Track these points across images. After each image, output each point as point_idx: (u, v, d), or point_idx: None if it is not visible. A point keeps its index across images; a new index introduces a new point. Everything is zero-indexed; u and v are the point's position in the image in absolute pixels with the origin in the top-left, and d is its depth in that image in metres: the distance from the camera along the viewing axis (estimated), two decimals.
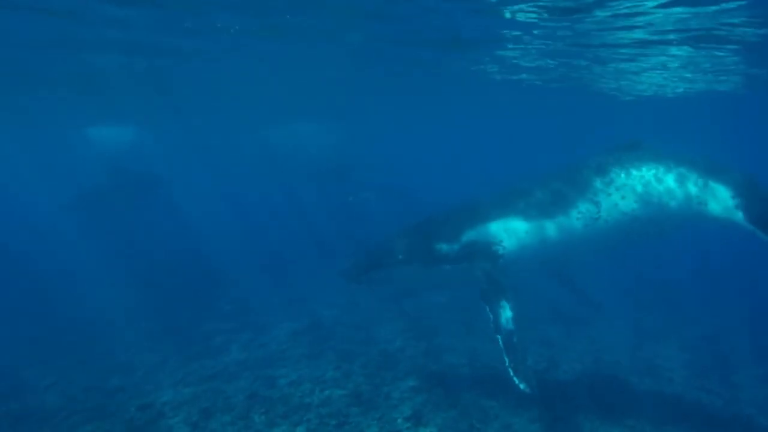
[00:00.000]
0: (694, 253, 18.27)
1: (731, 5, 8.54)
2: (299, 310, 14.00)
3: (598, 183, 7.97)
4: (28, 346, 12.49)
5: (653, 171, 7.95)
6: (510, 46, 11.81)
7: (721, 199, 7.67)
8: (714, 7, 8.73)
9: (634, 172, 7.98)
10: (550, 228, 7.97)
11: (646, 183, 7.88)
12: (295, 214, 27.09)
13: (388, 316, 13.12)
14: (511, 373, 6.79)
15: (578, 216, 7.89)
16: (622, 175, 7.96)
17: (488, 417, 7.91)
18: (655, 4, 8.62)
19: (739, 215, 7.51)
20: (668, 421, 7.85)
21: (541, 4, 8.83)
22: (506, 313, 7.27)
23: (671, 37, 10.75)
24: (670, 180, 7.86)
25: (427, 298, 14.20)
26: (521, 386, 6.68)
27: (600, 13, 9.28)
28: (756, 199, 7.52)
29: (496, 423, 7.72)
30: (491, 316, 7.31)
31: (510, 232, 8.04)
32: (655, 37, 10.84)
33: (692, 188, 7.78)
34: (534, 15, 9.46)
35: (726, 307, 13.66)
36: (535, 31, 10.57)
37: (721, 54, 12.26)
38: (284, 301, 14.85)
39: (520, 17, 9.60)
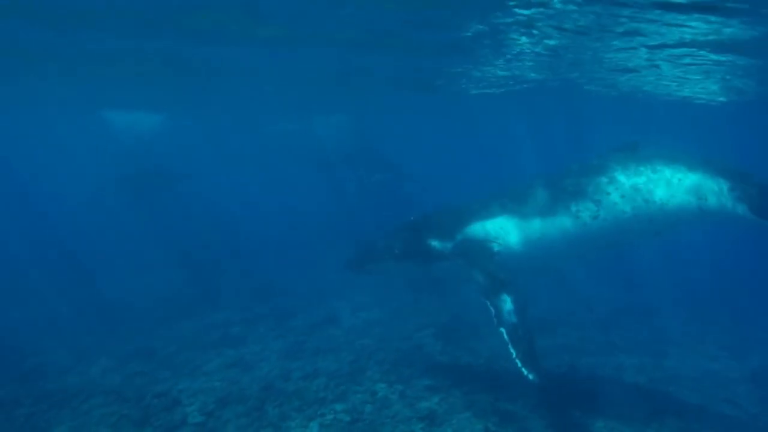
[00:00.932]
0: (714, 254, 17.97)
1: None
2: (319, 302, 14.00)
3: (597, 182, 8.02)
4: (50, 327, 12.71)
5: (652, 170, 7.99)
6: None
7: (721, 194, 7.74)
8: None
9: (633, 172, 8.01)
10: (548, 227, 8.00)
11: (645, 182, 7.92)
12: (317, 202, 27.25)
13: (409, 311, 13.05)
14: (519, 365, 6.79)
15: (577, 215, 7.91)
16: (622, 175, 8.01)
17: (504, 420, 7.78)
18: None
19: (742, 207, 7.60)
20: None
21: None
22: (507, 306, 7.27)
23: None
24: (668, 178, 7.91)
25: (453, 293, 14.05)
26: (530, 377, 6.69)
27: None
28: (755, 190, 7.62)
29: (511, 427, 7.59)
30: (492, 310, 7.32)
31: (506, 230, 8.10)
32: None
33: (691, 185, 7.84)
34: None
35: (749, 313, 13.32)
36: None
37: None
38: (305, 292, 14.87)
39: None
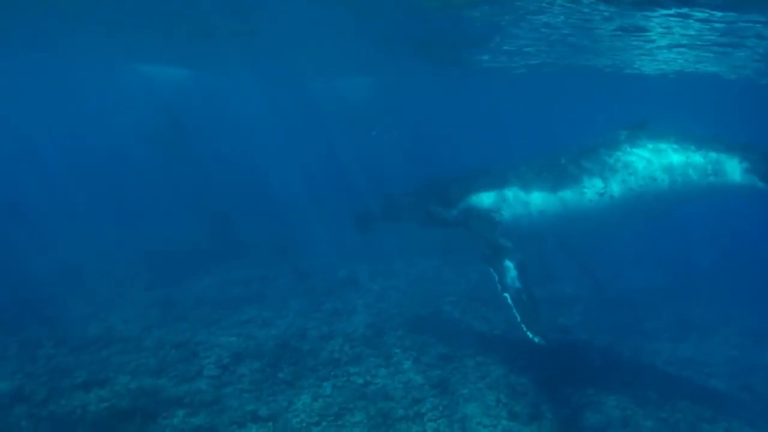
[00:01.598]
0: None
1: None
2: (339, 263, 14.02)
3: (604, 160, 8.07)
4: (72, 275, 12.93)
5: (660, 148, 8.00)
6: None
7: (731, 168, 7.78)
8: None
9: (642, 149, 8.04)
10: (551, 202, 8.06)
11: (653, 160, 7.94)
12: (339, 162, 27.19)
13: (429, 277, 13.03)
14: (524, 329, 6.87)
15: (582, 192, 7.97)
16: (630, 152, 8.05)
17: (516, 393, 7.78)
18: None
19: (751, 178, 7.69)
20: (706, 419, 7.58)
21: None
22: (511, 272, 7.39)
23: None
24: (676, 156, 7.92)
25: (474, 262, 13.93)
26: (535, 339, 6.78)
27: None
28: (763, 159, 7.71)
29: (523, 400, 7.58)
30: (496, 276, 7.41)
31: (509, 202, 8.20)
32: None
33: (700, 162, 7.84)
34: None
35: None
36: None
37: None
38: (326, 253, 14.89)
39: None
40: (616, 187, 7.91)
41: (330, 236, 16.32)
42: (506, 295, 7.22)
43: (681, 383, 8.62)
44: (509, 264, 7.45)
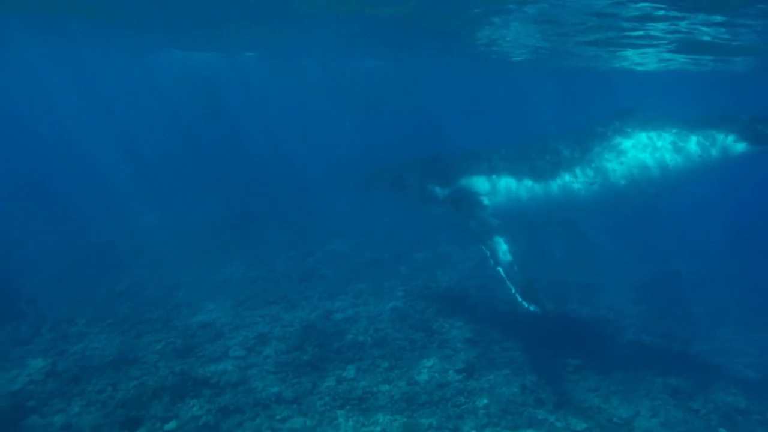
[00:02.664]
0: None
1: None
2: (366, 243, 14.00)
3: (595, 149, 8.23)
4: (102, 252, 13.19)
5: (649, 135, 8.17)
6: None
7: (721, 144, 8.01)
8: None
9: (630, 138, 8.21)
10: (541, 189, 8.24)
11: (643, 147, 8.12)
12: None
13: (457, 259, 12.91)
14: (520, 299, 7.12)
15: (573, 179, 8.14)
16: (619, 141, 8.21)
17: (542, 380, 7.67)
18: None
19: (743, 145, 7.97)
20: (741, 410, 7.36)
21: None
22: (502, 247, 7.68)
23: None
24: (664, 142, 8.12)
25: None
26: (531, 308, 7.01)
27: None
28: (747, 126, 8.03)
29: (550, 388, 7.47)
30: (488, 252, 7.68)
31: (499, 187, 8.39)
32: None
33: (690, 144, 8.06)
34: None
35: None
36: None
37: None
38: (353, 232, 14.89)
39: None
40: (605, 176, 8.10)
41: (359, 216, 16.33)
42: (499, 269, 7.50)
43: (714, 373, 8.37)
44: (499, 239, 7.75)
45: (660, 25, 10.86)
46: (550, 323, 9.56)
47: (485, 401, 7.05)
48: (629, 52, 14.40)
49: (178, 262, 12.38)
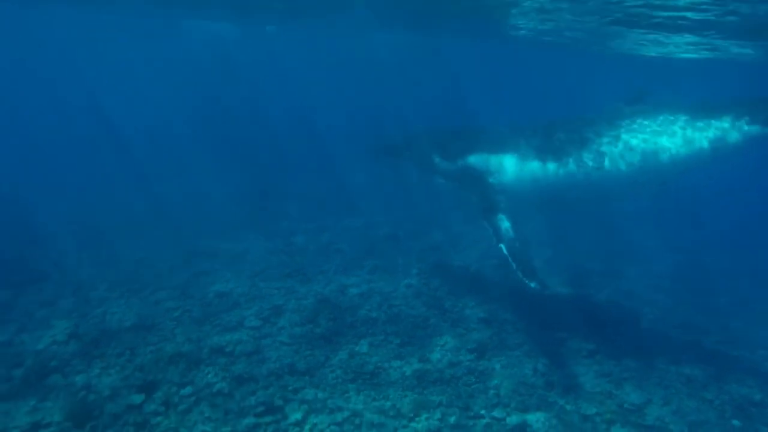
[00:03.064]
0: None
1: None
2: (381, 220, 14.02)
3: (604, 134, 8.16)
4: (125, 219, 13.41)
5: (660, 121, 8.11)
6: None
7: (733, 128, 7.98)
8: None
9: (640, 124, 8.14)
10: (548, 172, 8.19)
11: (653, 134, 8.05)
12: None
13: (472, 238, 12.86)
14: (521, 276, 7.26)
15: (580, 164, 8.08)
16: (630, 127, 8.15)
17: (554, 363, 7.67)
18: None
19: (755, 128, 7.95)
20: (755, 402, 7.30)
21: None
22: (505, 224, 7.81)
23: None
24: (676, 127, 8.05)
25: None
26: (531, 284, 7.15)
27: None
28: (755, 107, 8.04)
29: (561, 371, 7.47)
30: (491, 229, 7.83)
31: (505, 167, 8.36)
32: None
33: (703, 131, 8.01)
34: None
35: None
36: None
37: None
38: (369, 208, 14.92)
39: None
40: (613, 162, 8.04)
41: (372, 194, 16.32)
42: (501, 245, 7.62)
43: (730, 364, 8.29)
44: (502, 216, 7.88)
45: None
46: (566, 307, 9.53)
47: (496, 382, 7.09)
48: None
49: (197, 231, 12.52)
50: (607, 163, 8.03)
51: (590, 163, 8.05)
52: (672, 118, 8.12)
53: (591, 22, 12.34)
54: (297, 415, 6.16)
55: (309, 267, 10.60)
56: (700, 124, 8.05)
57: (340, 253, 11.51)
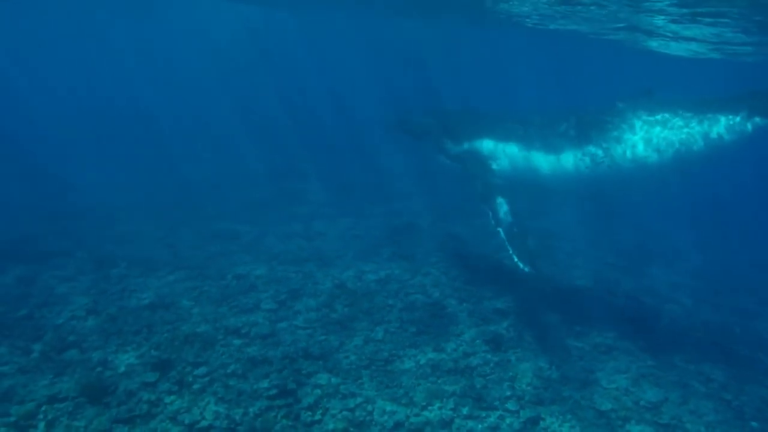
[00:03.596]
0: None
1: None
2: (400, 206, 13.94)
3: (608, 128, 8.19)
4: (144, 198, 13.53)
5: (666, 117, 8.07)
6: None
7: (731, 122, 7.92)
8: None
9: (645, 121, 8.11)
10: (549, 163, 8.39)
11: (658, 131, 8.04)
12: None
13: (492, 230, 12.71)
14: (516, 259, 7.47)
15: (582, 158, 8.20)
16: (633, 123, 8.14)
17: (571, 356, 7.59)
18: None
19: (756, 120, 7.88)
20: None
21: None
22: (503, 208, 8.01)
23: None
24: (682, 124, 8.01)
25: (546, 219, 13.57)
26: (526, 269, 7.36)
27: None
28: (755, 101, 7.97)
29: (578, 364, 7.38)
30: (490, 212, 8.04)
31: (508, 154, 8.59)
32: None
33: (709, 126, 7.95)
34: None
35: None
36: None
37: None
38: (387, 195, 14.85)
39: None
40: (615, 157, 8.09)
41: (394, 176, 16.25)
42: (499, 229, 7.85)
43: (751, 365, 8.11)
44: (502, 200, 8.05)
45: None
46: (585, 301, 9.40)
47: (511, 374, 7.01)
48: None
49: (218, 213, 12.59)
50: (608, 158, 8.11)
51: (593, 158, 8.15)
52: (674, 115, 8.10)
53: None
54: (310, 399, 6.16)
55: (327, 252, 10.59)
56: (705, 120, 8.03)
57: (359, 239, 11.48)
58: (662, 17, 11.49)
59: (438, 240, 11.70)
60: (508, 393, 6.64)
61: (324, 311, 8.17)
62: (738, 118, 7.89)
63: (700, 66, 17.25)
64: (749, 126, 7.91)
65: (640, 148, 8.02)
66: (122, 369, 6.44)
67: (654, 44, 15.31)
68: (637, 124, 8.12)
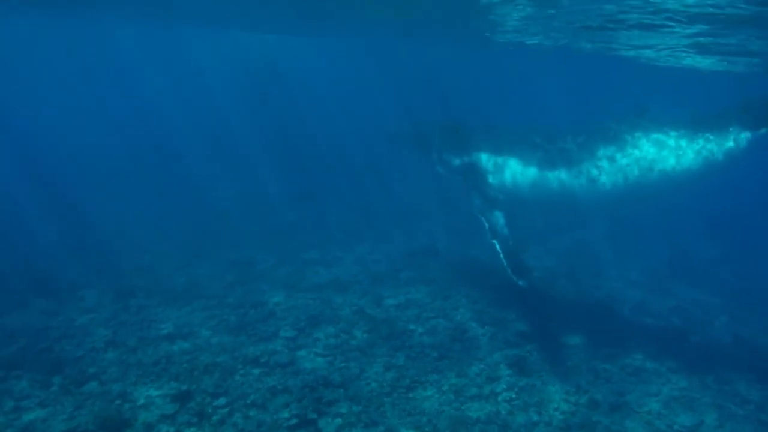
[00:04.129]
0: None
1: None
2: (417, 228, 13.83)
3: (601, 147, 8.25)
4: (163, 231, 13.60)
5: (662, 137, 8.13)
6: None
7: (727, 137, 8.08)
8: None
9: (643, 139, 8.17)
10: (546, 180, 8.43)
11: (655, 150, 8.10)
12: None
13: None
14: (510, 273, 7.55)
15: (578, 176, 8.27)
16: (629, 143, 8.19)
17: (599, 378, 7.35)
18: None
19: (746, 134, 8.08)
20: None
21: None
22: (500, 221, 8.11)
23: None
24: (681, 142, 8.09)
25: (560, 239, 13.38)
26: (520, 283, 7.45)
27: None
28: (744, 113, 8.15)
29: (606, 387, 7.13)
30: (486, 224, 8.12)
31: (505, 169, 8.65)
32: None
33: (703, 143, 8.06)
34: None
35: None
36: None
37: None
38: (403, 218, 14.76)
39: None
40: (610, 176, 8.17)
41: (413, 203, 16.17)
42: (495, 242, 7.91)
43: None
44: (499, 214, 8.16)
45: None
46: (611, 321, 9.17)
47: (536, 399, 6.81)
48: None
49: (236, 242, 12.59)
50: (604, 177, 8.16)
51: (588, 177, 8.21)
52: (668, 133, 8.16)
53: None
54: (330, 429, 6.02)
55: (344, 276, 10.50)
56: (698, 138, 8.12)
57: (377, 264, 11.38)
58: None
59: (457, 262, 11.55)
60: (535, 418, 6.44)
61: (343, 338, 8.05)
62: (731, 134, 8.05)
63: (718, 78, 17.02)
64: (743, 142, 8.08)
65: (635, 166, 8.10)
66: (141, 401, 6.37)
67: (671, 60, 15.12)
68: (634, 141, 8.18)
